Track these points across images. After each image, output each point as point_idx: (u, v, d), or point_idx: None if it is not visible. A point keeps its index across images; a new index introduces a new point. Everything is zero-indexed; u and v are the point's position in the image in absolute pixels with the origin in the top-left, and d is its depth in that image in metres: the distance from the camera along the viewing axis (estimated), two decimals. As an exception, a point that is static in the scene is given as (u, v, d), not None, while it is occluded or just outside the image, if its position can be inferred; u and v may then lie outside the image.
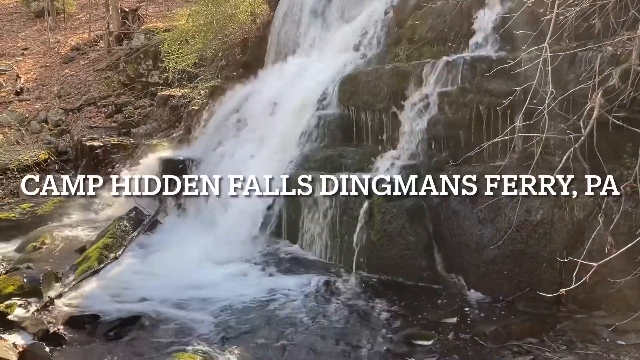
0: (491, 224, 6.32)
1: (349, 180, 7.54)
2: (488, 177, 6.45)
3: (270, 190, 8.28)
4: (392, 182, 7.17)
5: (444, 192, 6.72)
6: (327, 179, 7.64)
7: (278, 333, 5.61)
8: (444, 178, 6.83)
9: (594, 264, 4.41)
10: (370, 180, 7.42)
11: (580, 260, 4.63)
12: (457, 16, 8.49)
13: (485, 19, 8.25)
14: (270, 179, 8.36)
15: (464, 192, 6.56)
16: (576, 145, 5.63)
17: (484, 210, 6.34)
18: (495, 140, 6.34)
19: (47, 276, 6.79)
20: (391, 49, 9.40)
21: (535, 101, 5.95)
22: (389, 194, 6.95)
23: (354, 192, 7.22)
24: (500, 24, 7.87)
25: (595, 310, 5.63)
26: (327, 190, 7.54)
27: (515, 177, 6.29)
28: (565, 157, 5.66)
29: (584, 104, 5.77)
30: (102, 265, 7.20)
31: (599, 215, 5.53)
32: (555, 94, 5.82)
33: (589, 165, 5.77)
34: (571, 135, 5.67)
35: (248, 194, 8.44)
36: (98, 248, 7.63)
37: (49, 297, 6.29)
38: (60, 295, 6.37)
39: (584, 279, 4.52)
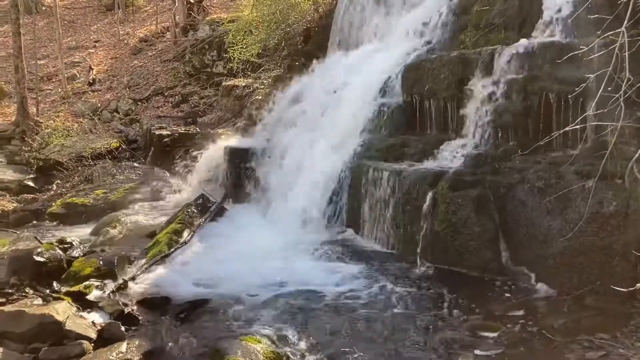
0: (560, 215, 6.13)
1: (412, 169, 7.52)
2: (558, 167, 6.27)
3: (332, 179, 8.38)
4: (457, 171, 7.09)
5: (511, 182, 6.58)
6: (391, 168, 7.63)
7: (342, 321, 5.66)
8: (511, 168, 6.69)
9: (673, 259, 4.22)
10: (434, 169, 7.37)
11: (657, 255, 4.44)
12: (525, 1, 8.23)
13: (555, 3, 7.96)
14: (333, 168, 8.46)
15: (532, 182, 6.40)
16: (654, 134, 5.38)
17: (553, 201, 6.15)
18: (567, 129, 6.13)
19: (121, 259, 7.13)
20: (456, 35, 9.21)
21: (609, 89, 5.71)
22: (454, 183, 6.86)
23: (417, 181, 7.18)
24: (572, 8, 7.58)
25: (673, 307, 5.40)
26: (389, 179, 7.54)
27: (587, 167, 6.10)
28: (641, 147, 5.42)
29: (664, 91, 5.50)
30: (172, 249, 7.47)
31: (678, 208, 5.27)
32: (632, 81, 5.57)
33: (668, 155, 5.50)
34: (649, 124, 5.42)
35: (310, 182, 8.59)
36: (168, 233, 7.92)
37: (123, 279, 6.59)
38: (133, 278, 6.66)
39: (662, 274, 4.34)
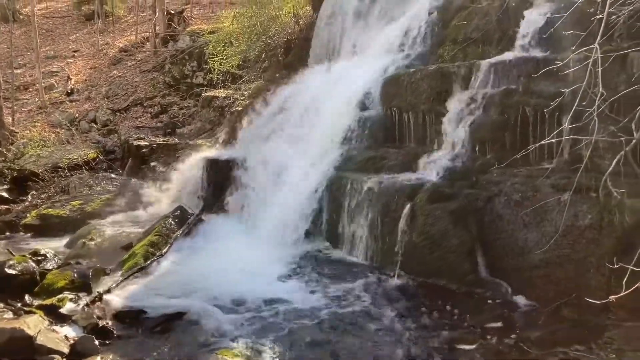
0: (537, 227, 6.19)
1: (391, 181, 7.54)
2: (534, 180, 6.34)
3: (311, 192, 8.36)
4: (435, 184, 7.13)
5: (488, 195, 6.63)
6: (370, 180, 7.65)
7: (319, 334, 5.63)
8: (488, 181, 6.76)
9: (646, 271, 4.27)
10: (413, 181, 7.40)
11: (630, 267, 4.49)
12: (502, 16, 8.39)
13: (531, 19, 8.11)
14: (312, 180, 8.45)
15: (509, 194, 6.46)
16: (627, 149, 5.46)
17: (529, 213, 6.22)
18: (542, 142, 6.20)
19: (96, 272, 7.04)
20: (435, 49, 9.33)
21: (584, 103, 5.80)
22: (432, 195, 6.90)
23: (395, 194, 7.20)
24: (548, 24, 7.72)
25: (646, 319, 5.46)
26: (368, 191, 7.55)
27: (562, 181, 6.18)
28: (615, 161, 5.50)
29: (636, 105, 5.59)
30: (148, 262, 7.39)
31: (651, 221, 5.35)
32: (605, 96, 5.66)
33: (641, 169, 5.60)
34: (622, 138, 5.50)
35: (289, 194, 8.56)
36: (144, 245, 7.83)
37: (98, 292, 6.48)
38: (108, 291, 6.56)
39: (636, 286, 4.38)
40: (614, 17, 6.08)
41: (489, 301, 6.22)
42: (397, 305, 6.23)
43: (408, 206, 7.01)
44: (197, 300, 6.39)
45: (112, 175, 13.36)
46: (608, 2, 5.93)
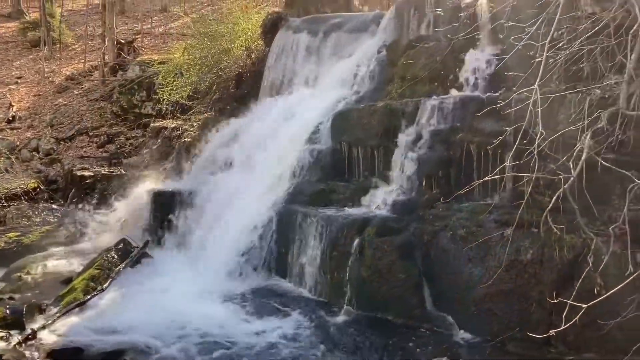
0: (481, 262, 6.30)
1: (340, 215, 7.56)
2: (478, 215, 6.49)
3: (259, 224, 8.27)
4: (383, 218, 7.19)
5: (434, 229, 6.73)
6: (319, 213, 7.64)
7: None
8: (435, 215, 6.87)
9: (584, 305, 4.39)
10: (361, 215, 7.44)
11: (569, 302, 4.61)
12: (449, 56, 8.66)
13: (476, 60, 8.43)
14: (261, 213, 8.37)
15: (454, 229, 6.57)
16: (566, 186, 5.66)
17: (474, 248, 6.33)
18: (486, 179, 6.38)
19: (30, 308, 6.68)
20: (383, 86, 9.53)
21: (525, 141, 6.02)
22: (380, 229, 6.94)
23: (344, 228, 7.22)
24: (491, 65, 8.05)
25: (585, 353, 5.59)
26: (317, 224, 7.54)
27: (505, 216, 6.34)
28: (555, 198, 5.70)
29: (574, 145, 5.83)
30: (87, 297, 7.10)
31: (588, 256, 5.53)
32: (545, 135, 5.90)
33: (579, 206, 5.80)
34: (561, 176, 5.72)
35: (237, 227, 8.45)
36: (84, 279, 7.53)
37: (31, 329, 6.17)
38: (43, 327, 6.25)
39: (574, 320, 4.49)
40: (552, 60, 6.37)
41: (436, 336, 6.24)
42: (342, 340, 6.17)
43: (357, 240, 7.03)
44: (137, 337, 6.15)
45: (54, 206, 12.91)
46: (546, 46, 6.24)
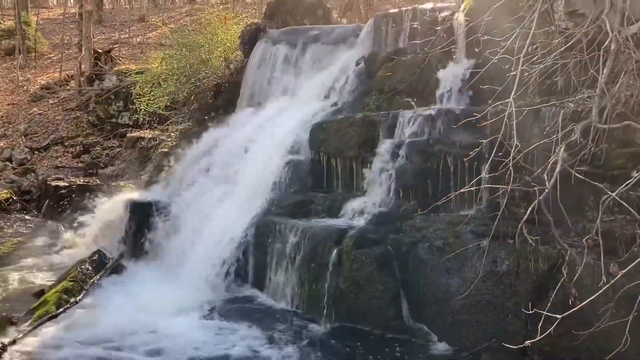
0: (458, 273, 6.34)
1: (318, 226, 7.54)
2: (455, 226, 6.54)
3: (237, 236, 8.21)
4: (361, 229, 7.19)
5: (412, 240, 6.76)
6: (297, 225, 7.62)
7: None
8: (412, 226, 6.91)
9: (558, 316, 4.44)
10: (340, 226, 7.44)
11: (545, 312, 4.66)
12: (426, 69, 8.76)
13: (452, 73, 8.53)
14: (238, 224, 8.32)
15: (431, 240, 6.61)
16: (540, 198, 5.75)
17: (451, 259, 6.37)
18: (462, 190, 6.44)
19: (1, 321, 6.57)
20: (362, 98, 9.58)
21: (500, 153, 6.10)
22: (358, 241, 6.95)
23: (322, 239, 7.21)
24: (467, 79, 8.15)
25: (561, 362, 5.65)
26: (295, 236, 7.51)
27: (482, 227, 6.40)
28: (530, 209, 5.77)
29: (548, 157, 5.93)
30: (60, 310, 6.98)
31: (563, 267, 5.60)
32: (520, 147, 5.98)
33: (553, 217, 5.88)
34: (536, 188, 5.80)
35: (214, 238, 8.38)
36: (57, 292, 7.39)
37: (1, 343, 6.02)
38: (13, 342, 6.11)
39: (549, 330, 4.54)
40: (526, 74, 6.48)
41: (413, 347, 6.26)
42: (320, 352, 6.15)
43: (335, 251, 7.03)
44: (112, 351, 6.06)
45: (27, 217, 12.69)
46: (521, 60, 6.35)
